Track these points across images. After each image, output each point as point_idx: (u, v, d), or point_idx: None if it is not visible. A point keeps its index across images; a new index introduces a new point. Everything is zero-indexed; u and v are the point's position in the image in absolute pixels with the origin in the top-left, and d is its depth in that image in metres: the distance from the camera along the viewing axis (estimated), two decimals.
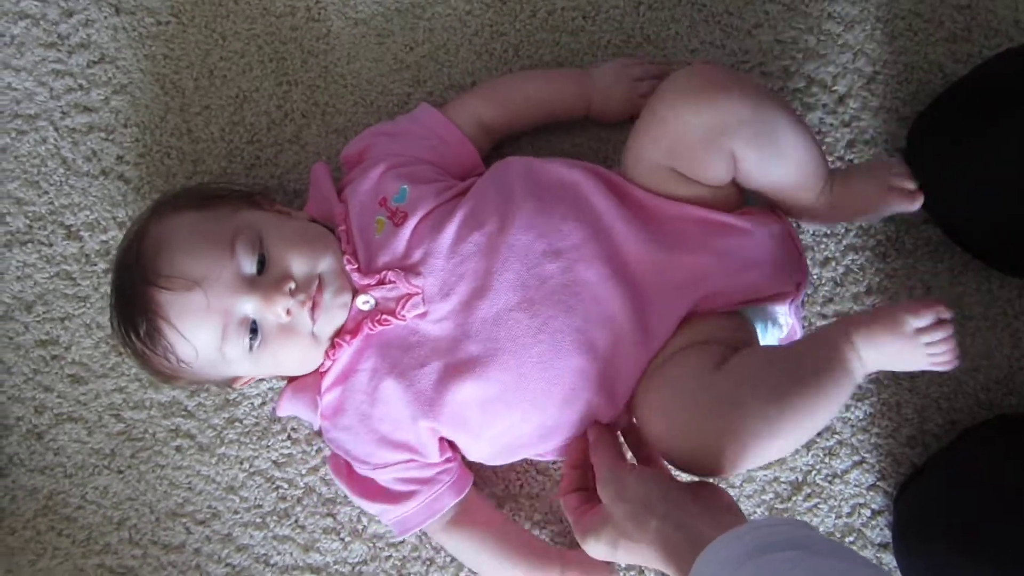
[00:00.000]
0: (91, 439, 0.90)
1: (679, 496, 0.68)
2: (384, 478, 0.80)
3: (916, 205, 0.80)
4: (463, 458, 0.82)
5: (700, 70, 0.73)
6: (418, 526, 0.81)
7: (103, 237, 0.91)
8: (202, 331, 0.73)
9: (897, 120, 0.90)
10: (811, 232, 0.89)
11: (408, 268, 0.75)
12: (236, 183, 0.88)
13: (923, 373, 0.87)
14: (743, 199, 0.79)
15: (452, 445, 0.80)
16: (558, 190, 0.76)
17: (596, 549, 0.71)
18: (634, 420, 0.77)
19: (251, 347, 0.73)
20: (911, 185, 0.80)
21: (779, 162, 0.74)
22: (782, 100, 0.76)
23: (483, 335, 0.74)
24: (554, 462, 0.88)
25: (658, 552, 0.64)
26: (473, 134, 0.84)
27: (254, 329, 0.73)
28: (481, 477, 0.87)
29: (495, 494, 0.88)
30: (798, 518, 0.87)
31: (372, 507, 0.82)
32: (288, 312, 0.72)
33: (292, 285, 0.72)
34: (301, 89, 0.91)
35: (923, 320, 0.66)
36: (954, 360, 0.67)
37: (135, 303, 0.73)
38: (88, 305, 0.90)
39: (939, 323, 0.66)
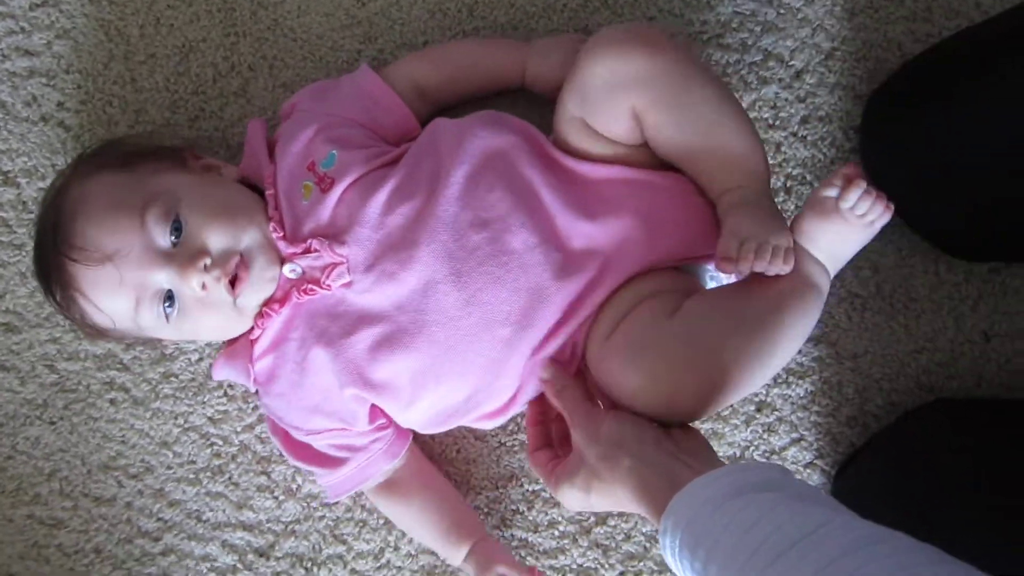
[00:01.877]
0: (23, 389, 0.88)
1: (653, 437, 0.67)
2: (319, 444, 0.79)
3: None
4: (399, 427, 0.81)
5: (631, 26, 0.73)
6: (349, 491, 0.81)
7: (41, 184, 0.89)
8: (116, 303, 0.72)
9: (853, 98, 0.89)
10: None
11: (333, 237, 0.73)
12: (162, 136, 0.87)
13: (866, 352, 0.87)
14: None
15: (385, 412, 0.79)
16: (486, 158, 0.74)
17: (571, 496, 0.70)
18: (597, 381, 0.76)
19: (167, 317, 0.72)
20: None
21: (683, 133, 0.71)
22: (712, 78, 0.72)
23: (411, 307, 0.72)
24: (492, 431, 0.87)
25: (631, 492, 0.63)
26: (408, 96, 0.82)
27: (171, 298, 0.72)
28: (417, 441, 0.86)
29: (431, 458, 0.87)
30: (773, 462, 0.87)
31: (307, 468, 0.82)
32: (204, 287, 0.71)
33: (207, 260, 0.71)
34: (249, 41, 0.89)
35: (834, 189, 0.67)
36: (886, 211, 0.68)
37: (50, 270, 0.73)
38: (24, 253, 0.88)
39: (850, 184, 0.66)
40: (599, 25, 0.87)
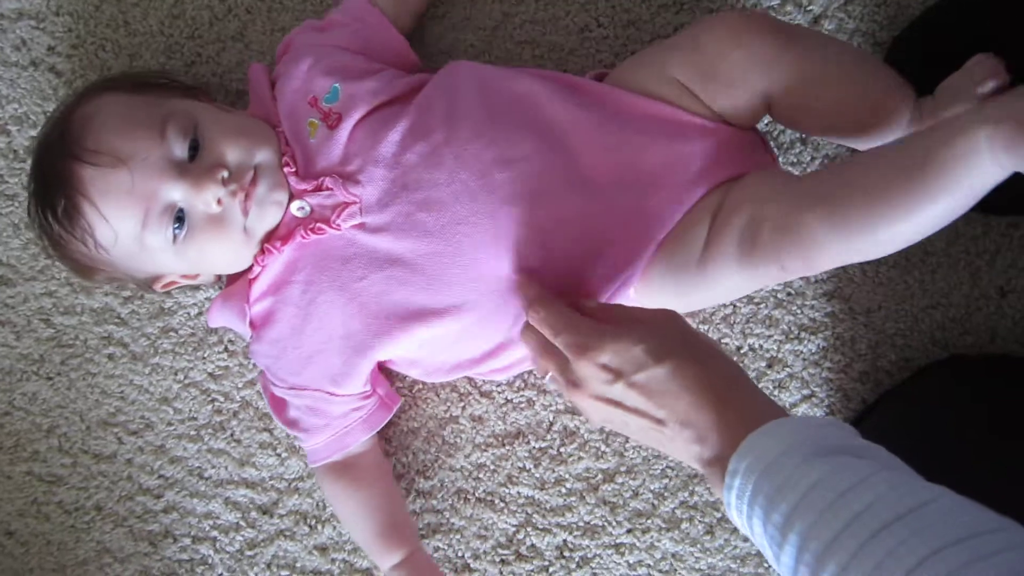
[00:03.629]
0: (19, 344, 0.86)
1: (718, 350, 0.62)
2: (297, 403, 0.77)
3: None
4: (382, 395, 0.80)
5: (751, 12, 0.72)
6: (327, 458, 0.79)
7: (32, 132, 0.86)
8: (124, 213, 0.68)
9: (873, 45, 0.86)
10: (788, 134, 0.85)
11: (347, 176, 0.71)
12: (176, 76, 0.83)
13: (879, 307, 0.85)
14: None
15: (379, 374, 0.78)
16: (510, 98, 0.72)
17: (617, 354, 0.60)
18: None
19: (175, 238, 0.70)
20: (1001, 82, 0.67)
21: (827, 101, 0.70)
22: (823, 37, 0.74)
23: (427, 249, 0.70)
24: (497, 384, 0.86)
25: (717, 392, 0.56)
26: (394, 12, 0.79)
27: (180, 218, 0.69)
28: (423, 398, 0.85)
29: (437, 415, 0.86)
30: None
31: (288, 430, 0.80)
32: (219, 202, 0.68)
33: (225, 173, 0.68)
34: None
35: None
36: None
37: (55, 180, 0.69)
38: (16, 204, 0.86)
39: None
40: None
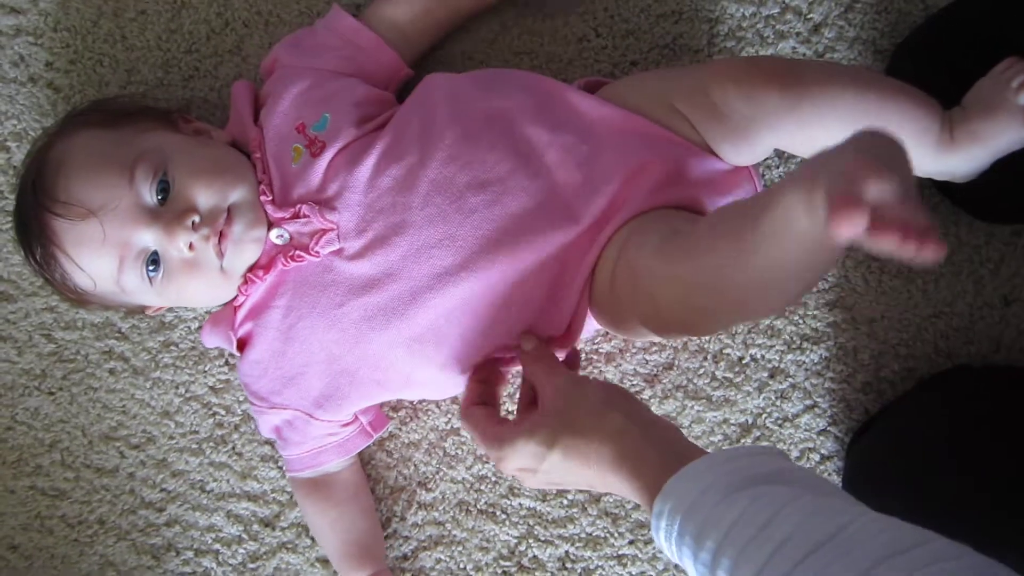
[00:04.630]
0: (21, 359, 0.87)
1: (646, 407, 0.64)
2: (275, 420, 0.77)
3: None
4: (365, 424, 0.81)
5: (761, 61, 0.72)
6: (301, 471, 0.80)
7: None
8: (98, 262, 0.69)
9: (874, 53, 0.85)
10: (776, 169, 0.85)
11: (323, 202, 0.71)
12: (154, 100, 0.84)
13: (882, 317, 0.84)
14: None
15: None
16: (485, 117, 0.71)
17: (522, 455, 0.63)
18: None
19: (151, 280, 0.70)
20: None
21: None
22: (827, 69, 0.71)
23: (404, 273, 0.70)
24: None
25: (614, 457, 0.58)
26: (391, 40, 0.78)
27: (155, 260, 0.69)
28: (424, 410, 0.85)
29: (438, 427, 0.85)
30: (772, 445, 0.85)
31: (271, 438, 0.81)
32: (191, 247, 0.68)
33: (196, 218, 0.68)
34: None
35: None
36: None
37: (31, 227, 0.70)
38: None
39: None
40: None
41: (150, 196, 0.68)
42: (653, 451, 0.59)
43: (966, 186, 0.82)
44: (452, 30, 0.83)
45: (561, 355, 0.73)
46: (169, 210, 0.68)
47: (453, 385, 0.75)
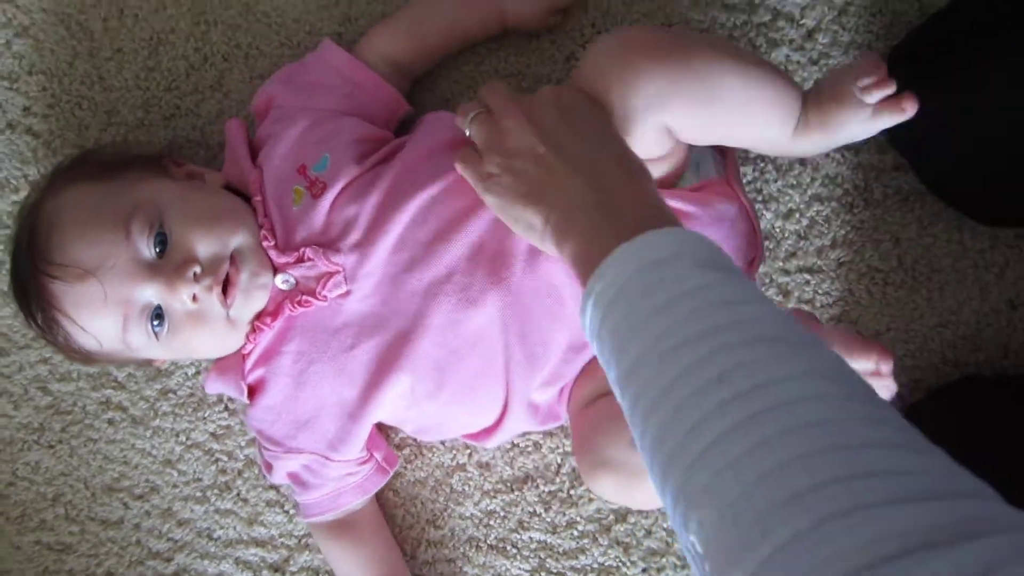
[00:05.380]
0: (18, 413, 0.85)
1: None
2: (292, 465, 0.76)
3: (908, 112, 0.67)
4: (379, 460, 0.80)
5: (621, 38, 0.63)
6: (319, 515, 0.78)
7: (14, 197, 0.84)
8: (101, 322, 0.67)
9: None
10: (774, 182, 0.83)
11: (327, 245, 0.69)
12: (141, 146, 0.81)
13: (887, 329, 0.83)
14: (687, 155, 0.72)
15: (377, 437, 0.78)
16: None
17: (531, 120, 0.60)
18: None
19: (157, 335, 0.68)
20: (888, 91, 0.67)
21: (725, 120, 0.66)
22: (716, 46, 0.65)
23: (411, 311, 0.68)
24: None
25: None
26: (386, 73, 0.77)
27: (160, 315, 0.67)
28: (428, 448, 0.84)
29: (443, 464, 0.84)
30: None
31: (284, 484, 0.80)
32: (194, 298, 0.66)
33: (197, 269, 0.66)
34: (221, 29, 0.83)
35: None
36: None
37: (29, 291, 0.68)
38: (4, 271, 0.84)
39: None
40: None
41: (148, 250, 0.67)
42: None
43: (968, 190, 0.81)
44: (445, 57, 0.81)
45: None
46: (169, 262, 0.66)
47: (463, 426, 0.75)
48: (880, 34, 0.83)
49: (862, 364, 0.63)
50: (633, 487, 0.65)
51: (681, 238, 0.48)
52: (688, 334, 0.44)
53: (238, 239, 0.69)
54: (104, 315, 0.67)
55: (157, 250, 0.67)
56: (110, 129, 0.84)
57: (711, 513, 0.39)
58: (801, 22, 0.83)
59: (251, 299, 0.69)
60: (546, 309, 0.69)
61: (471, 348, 0.69)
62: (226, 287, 0.68)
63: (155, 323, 0.68)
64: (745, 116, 0.66)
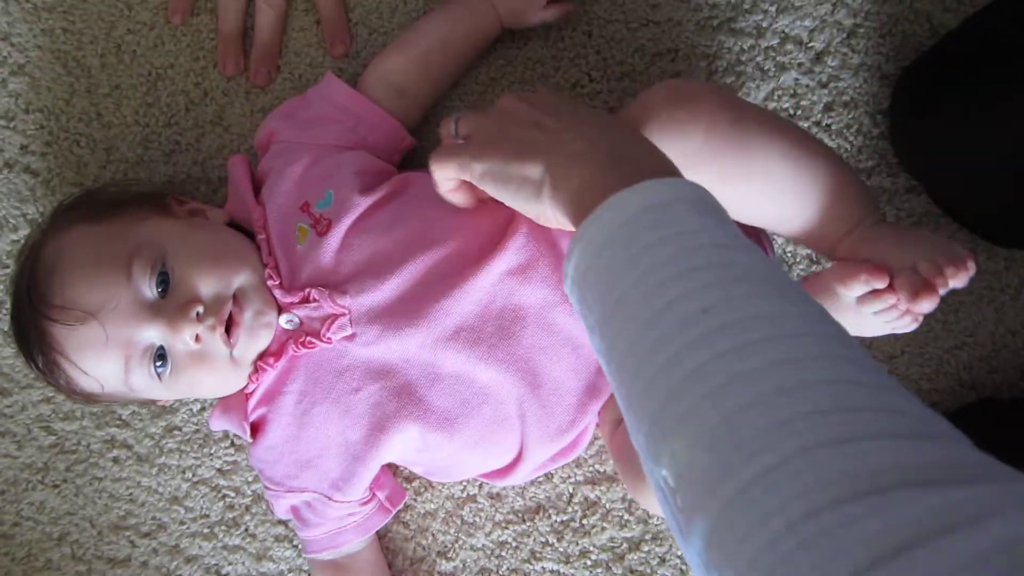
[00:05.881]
0: (21, 453, 0.84)
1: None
2: (294, 500, 0.75)
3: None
4: (382, 499, 0.78)
5: (672, 90, 0.61)
6: (319, 552, 0.77)
7: (13, 236, 0.83)
8: (103, 364, 0.66)
9: (879, 79, 0.82)
10: None
11: (333, 286, 0.68)
12: (142, 184, 0.80)
13: (902, 352, 0.82)
14: None
15: (383, 474, 0.77)
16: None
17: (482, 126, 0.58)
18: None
19: (160, 376, 0.67)
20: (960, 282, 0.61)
21: (762, 203, 0.63)
22: (771, 125, 0.62)
23: (421, 359, 0.67)
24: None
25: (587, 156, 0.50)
26: (389, 101, 0.75)
27: (163, 356, 0.66)
28: (438, 480, 0.83)
29: (454, 495, 0.83)
30: None
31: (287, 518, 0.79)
32: (197, 339, 0.65)
33: (200, 309, 0.65)
34: None
35: (855, 290, 0.61)
36: (913, 323, 0.63)
37: (30, 334, 0.67)
38: (4, 311, 0.83)
39: (880, 295, 0.61)
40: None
41: (150, 290, 0.66)
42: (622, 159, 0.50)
43: (983, 212, 0.80)
44: (448, 84, 0.80)
45: None
46: (171, 303, 0.65)
47: (476, 469, 0.74)
48: (890, 55, 0.82)
49: (857, 288, 0.61)
50: None
51: (681, 185, 0.47)
52: (678, 270, 0.42)
53: (241, 278, 0.68)
54: (106, 357, 0.66)
55: (159, 290, 0.66)
56: (109, 166, 0.83)
57: (686, 441, 0.37)
58: (810, 45, 0.82)
59: (255, 339, 0.68)
60: (559, 359, 0.68)
61: (483, 400, 0.68)
62: (229, 327, 0.67)
63: (158, 364, 0.67)
64: (798, 198, 0.63)
